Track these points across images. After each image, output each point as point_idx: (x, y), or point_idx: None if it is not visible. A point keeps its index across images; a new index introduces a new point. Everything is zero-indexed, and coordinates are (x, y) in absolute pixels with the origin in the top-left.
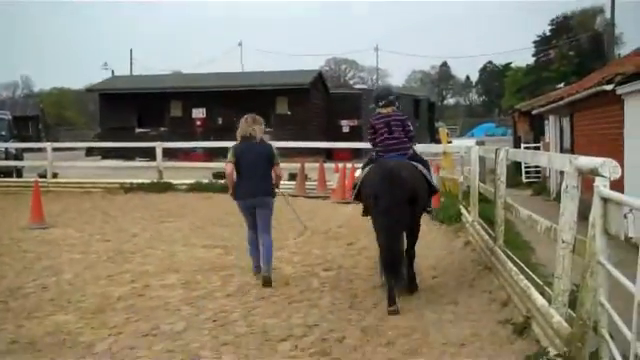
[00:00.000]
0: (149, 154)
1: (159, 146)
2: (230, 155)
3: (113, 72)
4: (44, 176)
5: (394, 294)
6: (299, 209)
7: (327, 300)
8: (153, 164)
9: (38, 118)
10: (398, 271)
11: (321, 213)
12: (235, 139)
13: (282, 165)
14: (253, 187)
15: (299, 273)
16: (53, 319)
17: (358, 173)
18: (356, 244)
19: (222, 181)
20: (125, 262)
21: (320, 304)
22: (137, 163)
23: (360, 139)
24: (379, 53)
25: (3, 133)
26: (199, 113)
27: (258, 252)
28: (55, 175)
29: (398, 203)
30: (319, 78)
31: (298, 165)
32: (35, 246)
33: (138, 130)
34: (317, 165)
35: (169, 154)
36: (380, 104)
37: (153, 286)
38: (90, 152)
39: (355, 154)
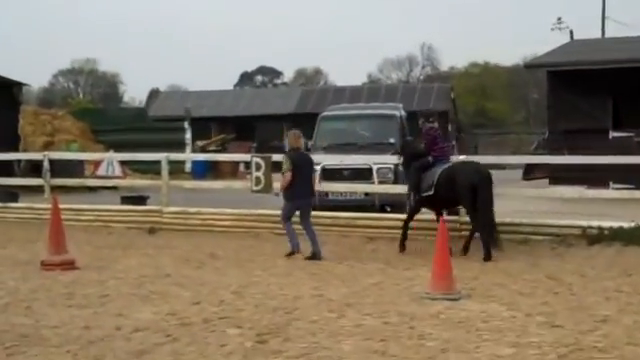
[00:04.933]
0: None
1: None
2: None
3: None
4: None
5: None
6: None
7: None
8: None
9: (447, 114)
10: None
11: None
12: None
13: None
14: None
15: None
16: None
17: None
18: None
19: None
20: None
21: None
22: (613, 193)
23: None
24: None
25: (392, 140)
26: None
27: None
28: None
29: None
30: None
31: None
32: (437, 328)
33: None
34: None
35: None
36: (430, 119)
37: None
38: (530, 172)
39: None
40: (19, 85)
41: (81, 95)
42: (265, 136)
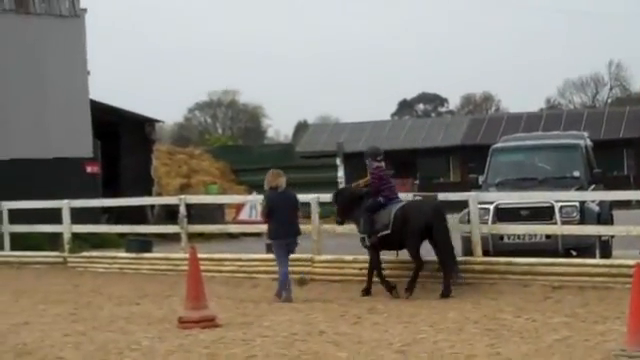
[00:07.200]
0: None
1: None
2: None
3: None
4: None
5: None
6: None
7: None
8: None
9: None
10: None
11: None
12: None
13: None
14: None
15: None
16: None
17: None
18: None
19: None
20: None
21: None
22: None
23: None
24: None
25: (576, 174)
26: None
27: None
28: None
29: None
30: None
31: None
32: None
33: None
34: None
35: None
36: (379, 159)
37: None
38: None
39: None
40: (152, 122)
41: (219, 130)
42: (429, 172)
